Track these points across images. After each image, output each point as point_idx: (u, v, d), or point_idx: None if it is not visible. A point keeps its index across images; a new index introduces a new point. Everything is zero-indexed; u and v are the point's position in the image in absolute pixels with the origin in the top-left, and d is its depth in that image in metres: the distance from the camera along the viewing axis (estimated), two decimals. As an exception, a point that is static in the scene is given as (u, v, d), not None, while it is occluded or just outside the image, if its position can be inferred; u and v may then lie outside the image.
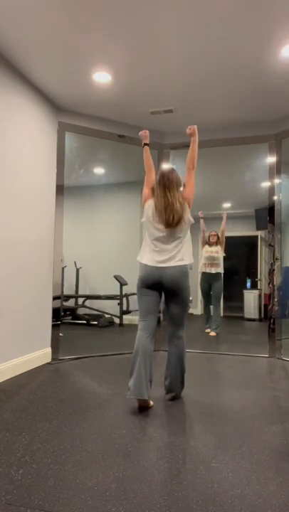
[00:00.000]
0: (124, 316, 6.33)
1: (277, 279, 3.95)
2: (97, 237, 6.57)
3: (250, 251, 8.32)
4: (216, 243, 5.53)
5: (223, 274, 5.53)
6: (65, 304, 6.45)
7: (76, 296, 6.35)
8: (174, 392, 2.50)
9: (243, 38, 2.64)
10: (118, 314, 6.17)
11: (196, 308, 7.67)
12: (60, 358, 3.61)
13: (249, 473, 1.57)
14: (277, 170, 3.96)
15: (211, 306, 5.58)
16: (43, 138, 3.47)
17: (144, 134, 2.73)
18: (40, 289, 3.43)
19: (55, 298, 3.67)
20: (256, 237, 7.91)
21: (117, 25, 2.52)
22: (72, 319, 6.29)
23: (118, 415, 2.20)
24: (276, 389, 2.77)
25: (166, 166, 2.48)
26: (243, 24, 2.49)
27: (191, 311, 7.75)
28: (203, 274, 5.51)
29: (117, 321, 6.31)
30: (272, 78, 3.15)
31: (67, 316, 6.34)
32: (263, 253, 7.82)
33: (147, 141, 2.72)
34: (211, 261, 5.45)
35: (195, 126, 2.57)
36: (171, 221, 2.38)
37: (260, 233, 7.79)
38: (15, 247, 3.06)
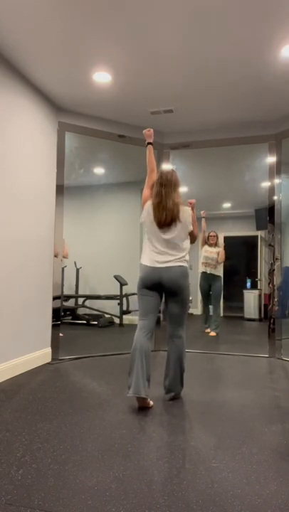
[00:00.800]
0: (124, 316, 6.33)
1: (277, 279, 3.95)
2: (97, 237, 6.57)
3: (250, 251, 8.32)
4: (216, 244, 5.53)
5: (223, 273, 5.54)
6: (65, 303, 6.45)
7: (76, 296, 6.35)
8: (174, 391, 2.49)
9: (243, 38, 2.64)
10: (118, 314, 6.17)
11: (196, 308, 7.67)
12: (60, 358, 3.61)
13: (249, 473, 1.57)
14: (277, 170, 3.96)
15: (211, 306, 5.59)
16: (43, 138, 3.47)
17: (148, 133, 2.73)
18: (40, 289, 3.43)
19: (55, 298, 3.67)
20: (256, 237, 7.91)
21: (117, 26, 2.52)
22: (72, 319, 6.29)
23: (118, 415, 2.20)
24: (276, 389, 2.77)
25: (167, 166, 2.48)
26: (243, 24, 2.49)
27: (191, 311, 7.75)
28: (203, 273, 5.51)
29: (117, 321, 6.32)
30: (272, 78, 3.15)
31: (67, 316, 6.34)
32: (263, 253, 7.82)
33: (151, 140, 2.72)
34: (210, 261, 5.46)
35: (194, 200, 2.68)
36: (164, 220, 2.39)
37: (260, 233, 7.79)
38: (15, 247, 3.06)
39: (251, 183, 5.80)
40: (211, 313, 5.58)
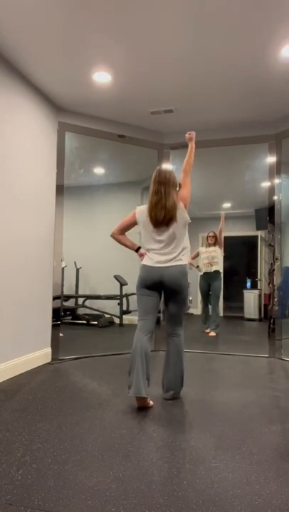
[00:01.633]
0: (124, 316, 6.33)
1: (277, 279, 3.95)
2: (97, 237, 6.56)
3: (250, 251, 8.32)
4: (214, 244, 5.55)
5: (223, 273, 5.55)
6: (65, 304, 6.45)
7: (76, 296, 6.35)
8: (173, 390, 2.49)
9: (244, 38, 2.64)
10: (118, 314, 6.17)
11: (196, 308, 7.67)
12: (60, 358, 3.61)
13: (249, 473, 1.57)
14: (277, 170, 3.96)
15: (210, 306, 5.59)
16: (43, 138, 3.47)
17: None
18: (40, 289, 3.43)
19: (55, 298, 3.67)
20: (256, 237, 7.91)
21: (117, 25, 2.52)
22: (72, 319, 6.29)
23: (118, 415, 2.20)
24: (276, 389, 2.77)
25: (167, 166, 2.47)
26: (243, 24, 2.49)
27: (191, 311, 7.76)
28: (204, 273, 5.53)
29: (117, 321, 6.31)
30: (273, 78, 3.15)
31: (67, 316, 6.34)
32: (263, 253, 7.82)
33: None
34: (210, 260, 5.47)
35: (194, 132, 2.61)
36: (162, 219, 2.37)
37: (260, 233, 7.79)
38: (15, 247, 3.06)
39: (251, 183, 5.80)
40: (211, 313, 5.58)
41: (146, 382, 2.28)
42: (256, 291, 7.45)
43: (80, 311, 6.56)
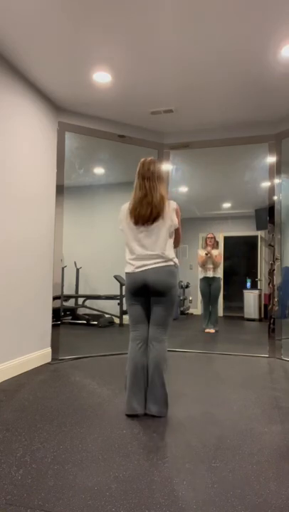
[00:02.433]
0: (124, 316, 6.33)
1: (277, 279, 3.96)
2: (97, 237, 6.57)
3: (250, 251, 8.32)
4: (213, 246, 5.56)
5: (223, 273, 5.59)
6: (65, 304, 6.45)
7: (76, 296, 6.35)
8: (152, 410, 2.16)
9: (243, 38, 2.64)
10: (118, 314, 6.17)
11: (196, 308, 7.67)
12: (60, 358, 3.61)
13: (249, 473, 1.57)
14: (277, 170, 3.96)
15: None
16: (43, 138, 3.47)
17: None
18: (40, 289, 3.43)
19: (55, 298, 3.67)
20: (256, 237, 7.92)
21: (117, 26, 2.52)
22: (72, 319, 6.29)
23: (118, 415, 2.20)
24: (276, 389, 2.77)
25: (148, 158, 2.35)
26: (243, 24, 2.49)
27: (190, 310, 7.76)
28: (203, 278, 5.57)
29: (117, 321, 6.31)
30: (273, 78, 3.15)
31: (67, 316, 6.34)
32: (263, 253, 7.82)
33: None
34: (208, 264, 5.50)
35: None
36: (147, 216, 2.16)
37: (260, 233, 7.79)
38: (15, 247, 3.06)
39: (251, 183, 5.80)
40: (211, 312, 5.61)
41: (143, 399, 2.19)
42: (256, 291, 7.45)
43: (80, 311, 6.56)
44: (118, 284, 6.17)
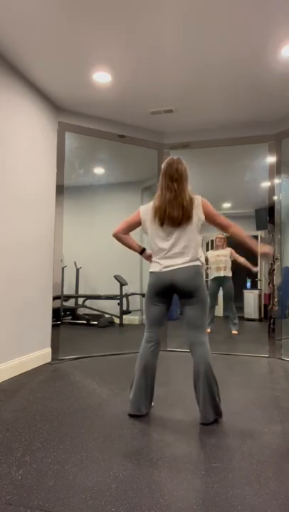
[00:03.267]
0: (124, 316, 6.33)
1: (277, 279, 3.96)
2: (98, 237, 6.57)
3: (251, 251, 8.30)
4: (223, 246, 5.57)
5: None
6: (65, 304, 6.45)
7: (76, 296, 6.35)
8: (206, 418, 2.07)
9: (243, 38, 2.64)
10: (118, 314, 6.17)
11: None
12: (60, 358, 3.61)
13: (249, 473, 1.57)
14: (277, 170, 3.96)
15: (219, 307, 5.65)
16: (43, 138, 3.47)
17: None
18: (40, 289, 3.43)
19: (55, 298, 3.67)
20: (256, 237, 7.91)
21: (117, 26, 2.52)
22: (72, 319, 6.29)
23: (118, 415, 2.20)
24: (276, 389, 2.77)
25: (174, 158, 2.31)
26: (242, 24, 2.49)
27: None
28: (215, 278, 5.57)
29: (117, 321, 6.32)
30: (273, 78, 3.15)
31: (67, 316, 6.34)
32: (263, 253, 7.80)
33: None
34: (218, 265, 5.50)
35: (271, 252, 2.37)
36: (180, 218, 2.12)
37: (260, 233, 7.79)
38: (15, 247, 3.06)
39: (251, 183, 5.80)
40: (229, 313, 5.63)
41: (148, 399, 2.21)
42: (256, 291, 7.45)
43: (80, 311, 6.56)
44: (118, 284, 6.18)
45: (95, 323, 6.05)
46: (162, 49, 2.77)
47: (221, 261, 5.51)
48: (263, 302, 7.47)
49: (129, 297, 6.43)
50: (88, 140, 4.08)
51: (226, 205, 7.46)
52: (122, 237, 2.39)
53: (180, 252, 2.15)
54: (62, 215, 3.75)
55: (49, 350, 3.55)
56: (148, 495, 1.40)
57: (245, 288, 7.71)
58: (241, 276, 7.69)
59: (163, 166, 2.23)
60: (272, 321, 3.97)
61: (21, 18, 2.47)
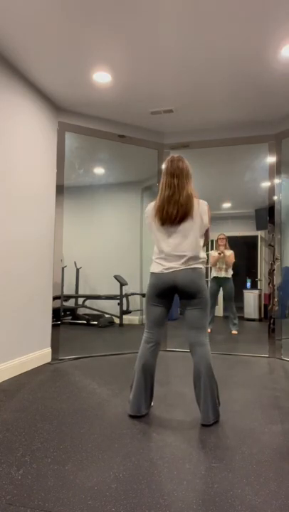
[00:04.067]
0: (124, 316, 6.33)
1: (277, 279, 3.96)
2: (97, 237, 6.57)
3: (250, 251, 8.32)
4: (225, 246, 5.58)
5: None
6: (65, 304, 6.45)
7: (76, 296, 6.35)
8: (206, 419, 2.07)
9: (243, 38, 2.64)
10: (118, 314, 6.17)
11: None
12: (60, 358, 3.61)
13: (249, 473, 1.57)
14: (277, 170, 3.96)
15: (219, 307, 5.65)
16: (43, 138, 3.47)
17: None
18: (40, 289, 3.43)
19: (55, 298, 3.67)
20: (256, 237, 7.92)
21: (117, 26, 2.52)
22: (72, 319, 6.29)
23: (118, 415, 2.20)
24: (276, 389, 2.77)
25: (175, 155, 2.30)
26: (242, 24, 2.49)
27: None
28: (215, 278, 5.58)
29: (117, 321, 6.32)
30: (273, 78, 3.15)
31: (67, 316, 6.34)
32: (263, 253, 7.83)
33: None
34: (220, 265, 5.52)
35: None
36: (174, 215, 2.09)
37: (260, 233, 7.79)
38: (14, 247, 3.06)
39: (251, 183, 5.80)
40: (229, 313, 5.64)
41: (148, 399, 2.21)
42: (256, 291, 7.45)
43: (80, 311, 6.56)
44: (118, 284, 6.18)
45: (95, 323, 6.05)
46: (162, 49, 2.78)
47: (222, 261, 5.53)
48: (263, 302, 7.48)
49: (129, 297, 6.43)
50: (88, 140, 4.08)
51: (226, 205, 7.46)
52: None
53: (182, 254, 2.14)
54: (62, 215, 3.75)
55: (49, 350, 3.55)
56: (148, 495, 1.40)
57: (245, 288, 7.71)
58: (241, 276, 7.71)
59: (164, 164, 2.22)
60: (272, 321, 3.97)
61: (21, 18, 2.47)
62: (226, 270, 5.52)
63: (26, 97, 3.20)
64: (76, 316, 6.29)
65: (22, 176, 3.15)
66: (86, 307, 6.33)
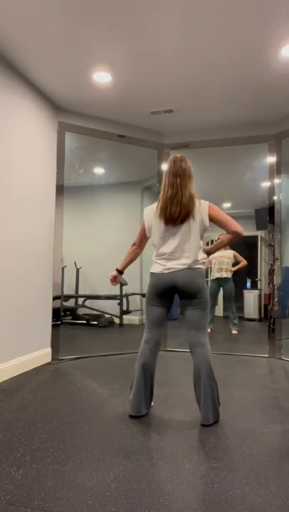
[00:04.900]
0: (124, 316, 6.33)
1: (277, 279, 3.95)
2: (97, 237, 6.57)
3: (250, 251, 8.32)
4: (226, 247, 5.59)
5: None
6: (65, 304, 6.45)
7: (76, 296, 6.35)
8: (206, 419, 2.07)
9: (243, 38, 2.64)
10: (118, 314, 6.17)
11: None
12: (60, 358, 3.61)
13: (249, 473, 1.57)
14: (277, 170, 3.96)
15: (219, 307, 5.66)
16: (43, 138, 3.47)
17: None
18: (40, 289, 3.43)
19: (55, 298, 3.67)
20: (256, 237, 7.92)
21: (117, 26, 2.52)
22: (72, 319, 6.29)
23: (118, 415, 2.20)
24: (276, 389, 2.77)
25: (178, 155, 2.30)
26: (242, 24, 2.49)
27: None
28: (216, 278, 5.58)
29: (117, 321, 6.31)
30: (273, 78, 3.15)
31: (67, 316, 6.34)
32: (263, 253, 7.83)
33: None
34: (220, 265, 5.53)
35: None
36: (177, 215, 2.09)
37: (260, 233, 7.79)
38: (14, 247, 3.06)
39: (251, 183, 5.81)
40: (229, 313, 5.63)
41: (148, 399, 2.21)
42: (256, 291, 7.45)
43: (80, 311, 6.56)
44: (118, 284, 6.17)
45: (95, 323, 6.05)
46: (162, 49, 2.78)
47: (223, 262, 5.53)
48: (263, 302, 7.48)
49: (129, 297, 6.43)
50: (88, 140, 4.08)
51: (226, 205, 7.46)
52: (130, 251, 2.48)
53: (182, 254, 2.14)
54: (62, 215, 3.75)
55: (49, 350, 3.55)
56: (148, 495, 1.40)
57: (245, 288, 7.71)
58: (241, 276, 7.71)
59: (167, 164, 2.23)
60: (272, 321, 3.97)
61: (21, 18, 2.47)
62: (227, 271, 5.53)
63: (26, 97, 3.20)
64: (76, 316, 6.29)
65: (22, 175, 3.15)
66: (86, 307, 6.33)
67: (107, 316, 6.24)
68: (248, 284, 7.85)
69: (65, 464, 1.63)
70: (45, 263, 3.51)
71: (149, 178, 5.43)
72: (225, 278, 5.53)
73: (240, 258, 5.64)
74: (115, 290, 6.28)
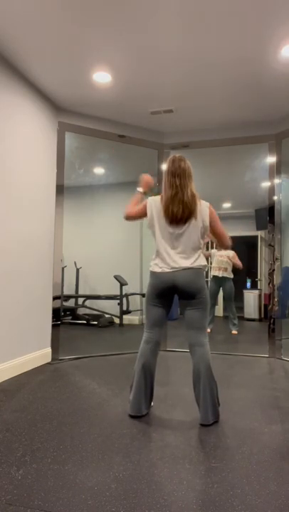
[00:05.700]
0: (124, 316, 6.33)
1: (277, 279, 3.96)
2: (97, 237, 6.57)
3: (250, 251, 8.32)
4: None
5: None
6: (65, 304, 6.45)
7: (76, 296, 6.35)
8: (206, 419, 2.07)
9: (243, 38, 2.64)
10: (118, 314, 6.17)
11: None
12: (60, 358, 3.61)
13: (249, 473, 1.57)
14: (277, 170, 3.96)
15: (219, 307, 5.66)
16: (43, 138, 3.47)
17: (146, 180, 2.49)
18: (40, 289, 3.43)
19: (55, 298, 3.67)
20: (256, 237, 7.92)
21: (117, 25, 2.52)
22: (72, 319, 6.29)
23: (118, 415, 2.20)
24: (276, 389, 2.77)
25: (177, 155, 2.31)
26: (243, 24, 2.49)
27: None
28: (215, 277, 5.58)
29: (117, 321, 6.31)
30: (273, 78, 3.15)
31: (67, 316, 6.34)
32: (263, 253, 7.83)
33: (145, 190, 2.47)
34: (220, 265, 5.52)
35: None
36: (180, 215, 2.10)
37: (260, 233, 7.79)
38: (14, 247, 3.06)
39: (251, 183, 5.81)
40: (228, 313, 5.64)
41: (148, 399, 2.21)
42: (256, 291, 7.45)
43: (80, 311, 6.56)
44: (118, 284, 6.18)
45: (95, 323, 6.05)
46: (162, 49, 2.77)
47: (223, 261, 5.53)
48: (263, 302, 7.48)
49: (129, 297, 6.43)
50: (88, 140, 4.08)
51: (226, 205, 7.46)
52: (132, 215, 2.33)
53: (182, 254, 2.15)
54: (62, 215, 3.75)
55: (49, 350, 3.55)
56: (148, 495, 1.40)
57: (245, 288, 7.71)
58: (241, 276, 7.71)
59: (166, 164, 2.22)
60: (272, 321, 3.97)
61: (21, 18, 2.47)
62: (226, 270, 5.54)
63: (26, 97, 3.20)
64: (76, 316, 6.29)
65: (22, 175, 3.15)
66: (86, 307, 6.33)
67: (107, 316, 6.24)
68: (248, 284, 7.85)
69: (65, 463, 1.63)
70: (45, 263, 3.51)
71: (149, 178, 5.42)
72: (224, 278, 5.52)
73: (237, 262, 5.60)
74: (115, 290, 6.28)
